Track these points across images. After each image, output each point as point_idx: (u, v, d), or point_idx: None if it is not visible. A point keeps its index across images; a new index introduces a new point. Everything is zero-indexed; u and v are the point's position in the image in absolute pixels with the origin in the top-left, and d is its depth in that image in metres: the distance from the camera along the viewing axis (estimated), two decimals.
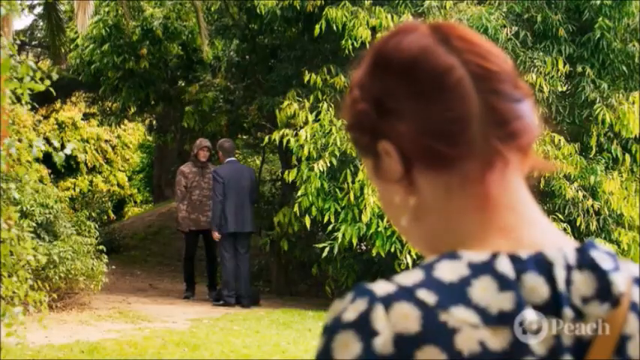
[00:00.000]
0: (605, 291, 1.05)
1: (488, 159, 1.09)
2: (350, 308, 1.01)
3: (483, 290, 1.02)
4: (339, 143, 10.64)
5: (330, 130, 10.79)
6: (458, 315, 1.00)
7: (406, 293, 1.01)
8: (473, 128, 1.08)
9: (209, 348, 8.58)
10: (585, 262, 1.06)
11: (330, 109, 10.91)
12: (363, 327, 1.00)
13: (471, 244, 1.07)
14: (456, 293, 1.02)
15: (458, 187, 1.10)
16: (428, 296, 1.01)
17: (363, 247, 11.69)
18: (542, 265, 1.05)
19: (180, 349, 8.51)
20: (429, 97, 1.09)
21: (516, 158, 1.11)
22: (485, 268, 1.04)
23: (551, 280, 1.04)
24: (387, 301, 1.01)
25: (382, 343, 0.99)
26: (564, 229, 10.15)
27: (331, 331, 1.02)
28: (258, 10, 12.16)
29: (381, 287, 1.02)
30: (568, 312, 1.03)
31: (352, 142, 1.18)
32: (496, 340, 1.00)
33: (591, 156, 11.15)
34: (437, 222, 1.12)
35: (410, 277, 1.04)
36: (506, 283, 1.03)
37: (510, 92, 1.10)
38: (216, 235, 11.70)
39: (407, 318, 0.99)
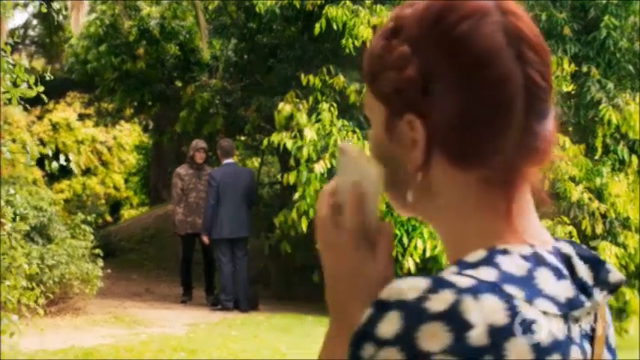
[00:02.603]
0: (602, 279, 1.12)
1: (508, 173, 1.10)
2: (434, 298, 0.99)
3: (547, 281, 1.05)
4: (339, 144, 10.49)
5: (331, 131, 10.67)
6: (539, 306, 1.03)
7: (490, 287, 1.01)
8: (507, 143, 1.08)
9: (207, 353, 8.50)
10: (583, 253, 1.14)
11: (332, 109, 10.81)
12: (455, 318, 0.98)
13: (497, 241, 1.09)
14: (531, 286, 1.04)
15: (474, 190, 1.10)
16: (513, 290, 1.02)
17: None
18: (563, 257, 1.11)
19: (178, 354, 8.42)
20: (481, 102, 1.07)
21: (530, 170, 1.13)
22: (537, 260, 1.07)
23: (572, 271, 1.10)
24: (474, 294, 1.00)
25: (477, 335, 0.98)
26: (569, 232, 10.02)
27: (415, 320, 0.99)
28: (257, 9, 12.12)
29: (461, 280, 1.01)
30: (588, 300, 1.09)
31: (369, 87, 1.15)
32: (560, 328, 1.04)
33: (597, 157, 11.02)
34: (454, 218, 1.12)
35: (485, 273, 1.04)
36: (560, 273, 1.07)
37: (547, 109, 1.11)
38: (205, 240, 11.56)
39: (495, 310, 1.00)
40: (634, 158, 11.18)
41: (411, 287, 1.01)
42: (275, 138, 10.96)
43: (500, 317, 0.99)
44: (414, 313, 0.99)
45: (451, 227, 1.13)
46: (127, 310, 11.16)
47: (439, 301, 0.99)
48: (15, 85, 5.84)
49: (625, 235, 10.72)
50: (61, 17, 15.67)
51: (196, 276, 12.70)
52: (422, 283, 1.00)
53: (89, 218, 11.53)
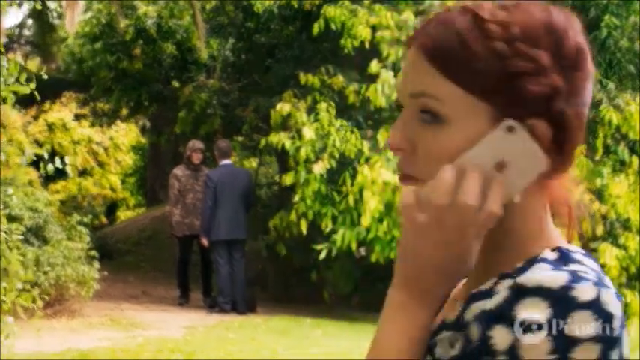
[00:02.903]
0: None
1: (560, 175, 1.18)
2: (578, 288, 1.05)
3: (606, 277, 1.13)
4: (338, 144, 10.45)
5: (329, 131, 10.60)
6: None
7: (603, 281, 1.09)
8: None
9: (204, 355, 8.46)
10: None
11: (330, 109, 10.74)
12: (600, 309, 1.05)
13: (554, 241, 1.16)
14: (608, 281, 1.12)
15: (538, 191, 1.16)
16: (611, 284, 1.10)
17: (362, 252, 11.43)
18: None
19: (175, 356, 8.39)
20: (585, 112, 1.17)
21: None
22: (593, 258, 1.15)
23: None
24: (603, 287, 1.07)
25: (617, 326, 1.06)
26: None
27: (566, 308, 1.05)
28: (254, 9, 12.06)
29: (589, 274, 1.08)
30: None
31: (465, 87, 1.12)
32: None
33: (597, 158, 10.95)
34: (521, 216, 1.16)
35: (590, 268, 1.11)
36: (602, 269, 1.15)
37: None
38: (204, 242, 11.47)
39: (617, 304, 1.07)
40: (634, 159, 11.08)
41: (553, 277, 1.07)
42: (273, 138, 10.88)
43: (618, 310, 1.07)
44: (563, 300, 1.05)
45: (514, 224, 1.16)
46: (123, 312, 11.10)
47: (585, 292, 1.05)
48: (8, 84, 5.77)
49: (626, 237, 10.64)
50: (56, 16, 15.62)
51: (193, 278, 12.63)
52: (561, 273, 1.07)
53: (85, 219, 11.46)
